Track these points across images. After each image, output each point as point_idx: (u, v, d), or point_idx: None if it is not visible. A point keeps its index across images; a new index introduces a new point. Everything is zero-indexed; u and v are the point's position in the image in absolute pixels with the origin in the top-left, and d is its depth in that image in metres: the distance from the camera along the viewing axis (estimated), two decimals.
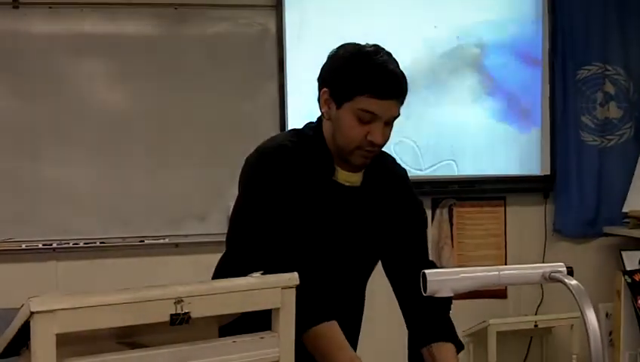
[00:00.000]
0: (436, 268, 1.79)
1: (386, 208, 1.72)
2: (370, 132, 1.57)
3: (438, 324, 1.69)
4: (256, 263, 1.42)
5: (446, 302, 1.71)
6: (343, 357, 1.53)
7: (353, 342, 1.70)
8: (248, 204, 1.62)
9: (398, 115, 1.62)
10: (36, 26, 3.40)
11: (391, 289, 1.80)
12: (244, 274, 1.36)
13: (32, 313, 1.23)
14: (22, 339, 1.36)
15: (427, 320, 1.69)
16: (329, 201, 1.64)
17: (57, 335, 1.24)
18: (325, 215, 1.63)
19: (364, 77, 1.55)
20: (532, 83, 3.90)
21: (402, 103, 1.62)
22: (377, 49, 1.62)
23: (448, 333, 1.69)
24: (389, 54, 1.63)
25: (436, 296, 1.33)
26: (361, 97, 1.55)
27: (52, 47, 3.40)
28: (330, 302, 1.57)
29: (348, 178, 1.67)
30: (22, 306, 1.30)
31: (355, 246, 1.70)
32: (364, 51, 1.60)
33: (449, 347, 1.66)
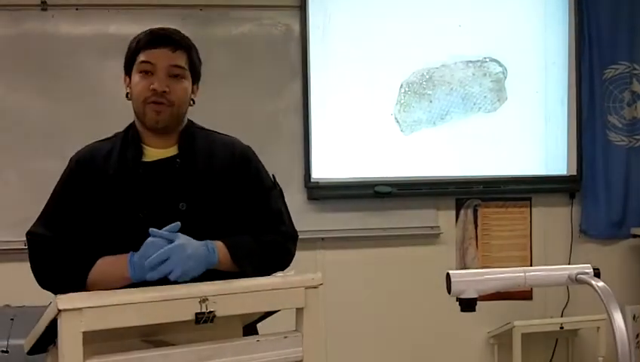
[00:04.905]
0: (289, 237, 1.83)
1: (214, 177, 1.80)
2: (153, 82, 1.76)
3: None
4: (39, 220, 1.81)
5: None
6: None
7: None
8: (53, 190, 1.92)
9: (183, 67, 1.81)
10: (64, 28, 3.45)
11: None
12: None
13: (59, 311, 1.25)
14: (49, 337, 1.38)
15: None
16: (137, 181, 1.77)
17: (84, 332, 1.26)
18: (133, 194, 1.76)
19: (137, 40, 1.82)
20: (558, 82, 3.86)
21: (186, 57, 1.82)
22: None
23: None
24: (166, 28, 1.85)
25: (461, 296, 1.32)
26: (139, 55, 1.79)
27: (79, 48, 3.44)
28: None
29: (159, 154, 1.81)
30: (49, 304, 1.32)
31: (177, 211, 1.74)
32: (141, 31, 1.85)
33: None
